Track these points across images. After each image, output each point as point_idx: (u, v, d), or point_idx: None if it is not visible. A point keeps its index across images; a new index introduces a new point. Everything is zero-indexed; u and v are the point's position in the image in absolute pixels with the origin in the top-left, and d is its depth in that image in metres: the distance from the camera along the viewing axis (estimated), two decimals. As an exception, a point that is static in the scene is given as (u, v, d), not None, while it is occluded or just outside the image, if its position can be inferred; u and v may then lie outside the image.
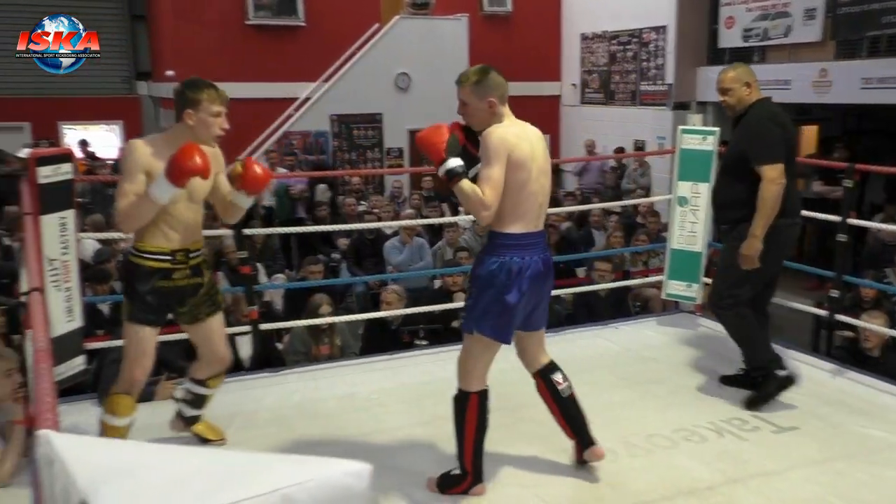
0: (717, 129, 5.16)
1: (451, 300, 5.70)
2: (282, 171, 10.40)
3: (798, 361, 4.40)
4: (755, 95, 3.86)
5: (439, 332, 5.67)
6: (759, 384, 3.93)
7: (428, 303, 5.61)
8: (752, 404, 3.88)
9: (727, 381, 4.18)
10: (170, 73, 12.35)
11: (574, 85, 14.12)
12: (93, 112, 13.47)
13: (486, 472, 3.12)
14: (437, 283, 6.91)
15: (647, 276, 6.57)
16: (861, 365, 4.54)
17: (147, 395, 4.10)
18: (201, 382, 3.43)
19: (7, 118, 12.31)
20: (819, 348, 5.44)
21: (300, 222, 9.43)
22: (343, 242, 8.52)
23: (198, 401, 3.47)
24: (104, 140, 13.48)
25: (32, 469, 2.10)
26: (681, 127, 5.25)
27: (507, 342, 2.99)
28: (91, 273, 5.61)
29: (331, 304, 5.27)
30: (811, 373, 4.31)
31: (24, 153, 3.37)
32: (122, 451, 1.20)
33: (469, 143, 2.99)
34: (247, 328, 4.62)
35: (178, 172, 2.85)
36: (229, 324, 4.97)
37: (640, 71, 12.78)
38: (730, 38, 11.40)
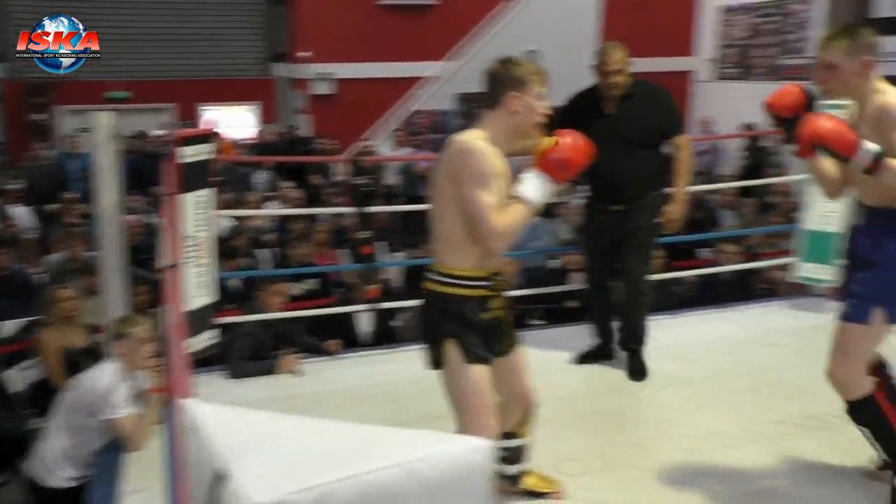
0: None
1: (565, 281, 5.65)
2: (408, 150, 10.58)
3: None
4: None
5: (554, 312, 5.61)
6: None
7: (543, 283, 5.58)
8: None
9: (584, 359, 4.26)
10: (304, 54, 12.75)
11: (712, 60, 13.55)
12: (230, 93, 13.99)
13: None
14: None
15: (774, 259, 6.30)
16: None
17: (268, 369, 4.17)
18: (511, 435, 2.79)
19: (153, 100, 13.03)
20: None
21: (423, 200, 9.54)
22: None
23: (514, 455, 2.85)
24: (240, 121, 13.92)
25: (168, 435, 2.17)
26: (821, 101, 4.96)
27: None
28: (222, 249, 5.81)
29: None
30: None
31: (158, 133, 3.44)
32: (258, 422, 1.28)
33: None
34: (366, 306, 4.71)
35: (568, 167, 2.44)
36: (350, 302, 5.09)
37: (783, 44, 12.11)
38: (885, 7, 10.56)
